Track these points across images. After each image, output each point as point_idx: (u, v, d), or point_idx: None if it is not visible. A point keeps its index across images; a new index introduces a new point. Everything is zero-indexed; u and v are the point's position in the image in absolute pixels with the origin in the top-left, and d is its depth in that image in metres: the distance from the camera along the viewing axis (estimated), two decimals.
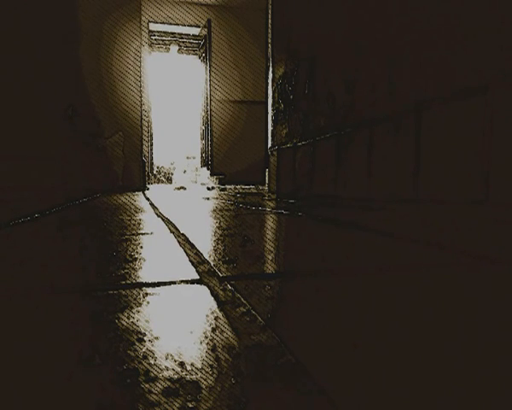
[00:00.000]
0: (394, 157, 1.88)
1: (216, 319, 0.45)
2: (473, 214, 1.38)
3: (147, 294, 0.55)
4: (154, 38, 7.41)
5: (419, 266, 0.74)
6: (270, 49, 3.79)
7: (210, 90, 7.11)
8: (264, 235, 1.11)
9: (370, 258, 0.81)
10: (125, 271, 0.67)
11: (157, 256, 0.82)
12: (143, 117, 5.14)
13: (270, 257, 0.78)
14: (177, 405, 0.28)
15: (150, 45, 7.44)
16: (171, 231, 1.15)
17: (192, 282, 0.61)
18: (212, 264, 0.72)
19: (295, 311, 0.50)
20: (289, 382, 0.32)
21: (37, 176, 3.51)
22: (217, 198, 3.09)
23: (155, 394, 0.30)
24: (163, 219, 1.47)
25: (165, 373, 0.32)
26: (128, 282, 0.60)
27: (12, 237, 1.09)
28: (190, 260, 0.75)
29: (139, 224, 1.33)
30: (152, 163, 7.60)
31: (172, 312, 0.48)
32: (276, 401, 0.29)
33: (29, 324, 0.45)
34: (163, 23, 7.02)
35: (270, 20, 3.79)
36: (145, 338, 0.40)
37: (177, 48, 7.72)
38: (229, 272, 0.66)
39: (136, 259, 0.77)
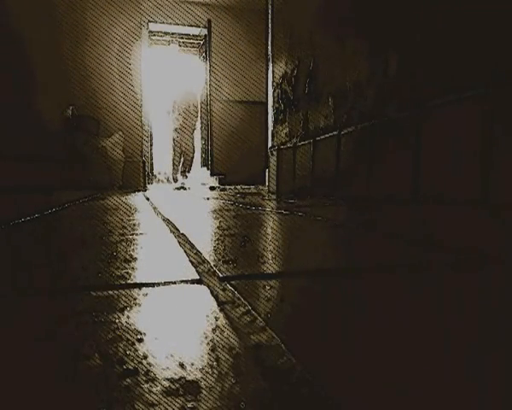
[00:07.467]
0: (394, 157, 1.88)
1: (216, 319, 0.45)
2: (473, 214, 1.39)
3: (147, 294, 0.55)
4: (154, 37, 7.41)
5: (418, 265, 0.74)
6: (269, 50, 3.79)
7: (210, 90, 7.12)
8: (264, 235, 1.11)
9: (371, 257, 0.81)
10: (125, 271, 0.67)
11: (157, 256, 0.82)
12: (143, 117, 5.14)
13: (270, 257, 0.78)
14: (177, 405, 0.28)
15: (150, 45, 7.44)
16: (171, 231, 1.15)
17: (192, 282, 0.61)
18: (212, 264, 0.72)
19: (295, 311, 0.50)
20: (290, 382, 0.32)
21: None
22: (217, 198, 3.09)
23: (155, 394, 0.29)
24: (163, 219, 1.47)
25: (165, 373, 0.32)
26: (128, 282, 0.60)
27: (12, 237, 1.09)
28: (190, 260, 0.75)
29: (139, 224, 1.33)
30: (152, 163, 7.59)
31: (172, 312, 0.48)
32: (277, 401, 0.29)
33: (28, 322, 0.45)
34: (163, 23, 7.02)
35: (269, 21, 3.79)
36: (145, 338, 0.40)
37: (177, 48, 7.72)
38: (230, 272, 0.66)
39: (135, 259, 0.77)
